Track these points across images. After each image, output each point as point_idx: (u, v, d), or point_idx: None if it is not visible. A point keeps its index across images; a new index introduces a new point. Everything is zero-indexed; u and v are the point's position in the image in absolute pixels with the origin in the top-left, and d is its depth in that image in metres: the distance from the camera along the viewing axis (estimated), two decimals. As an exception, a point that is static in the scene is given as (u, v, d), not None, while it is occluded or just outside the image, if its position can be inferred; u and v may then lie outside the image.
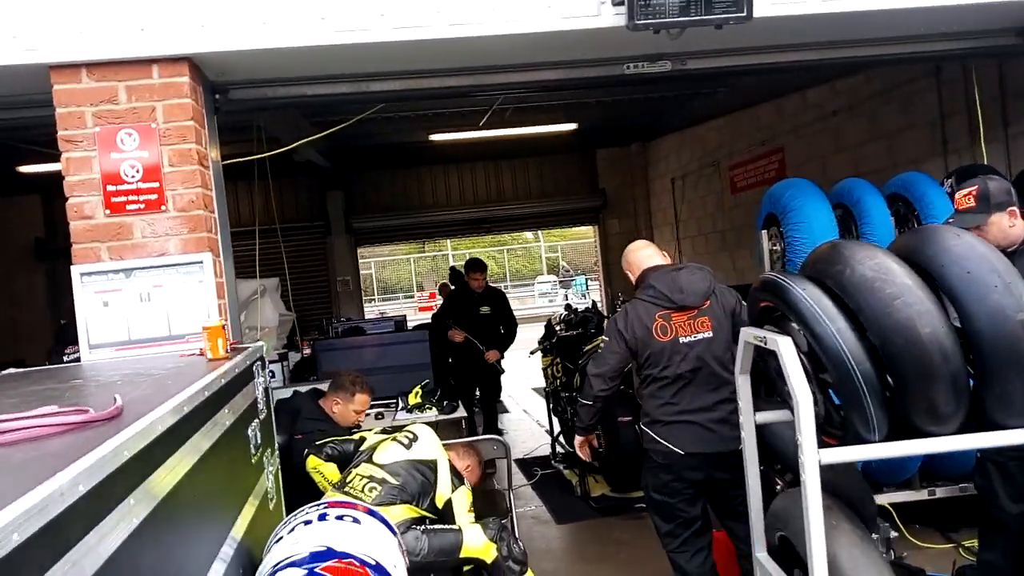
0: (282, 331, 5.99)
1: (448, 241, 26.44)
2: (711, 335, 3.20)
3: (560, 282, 27.18)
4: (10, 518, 0.87)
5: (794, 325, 2.47)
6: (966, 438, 2.24)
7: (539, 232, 29.49)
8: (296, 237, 10.52)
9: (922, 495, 4.14)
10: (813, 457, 2.21)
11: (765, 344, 2.43)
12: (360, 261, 12.76)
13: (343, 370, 4.02)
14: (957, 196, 3.14)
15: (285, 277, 5.95)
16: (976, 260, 2.20)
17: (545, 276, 28.41)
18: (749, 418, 2.75)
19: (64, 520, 1.00)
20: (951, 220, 3.03)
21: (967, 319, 2.18)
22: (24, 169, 8.17)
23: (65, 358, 5.86)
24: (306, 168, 10.21)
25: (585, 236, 29.68)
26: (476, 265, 6.94)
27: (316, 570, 1.82)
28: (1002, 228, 3.01)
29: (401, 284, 26.80)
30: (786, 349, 2.28)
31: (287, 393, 4.12)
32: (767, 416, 2.80)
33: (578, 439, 3.56)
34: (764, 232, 4.09)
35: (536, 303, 25.99)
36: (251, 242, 4.78)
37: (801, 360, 2.30)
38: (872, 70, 6.35)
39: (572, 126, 9.37)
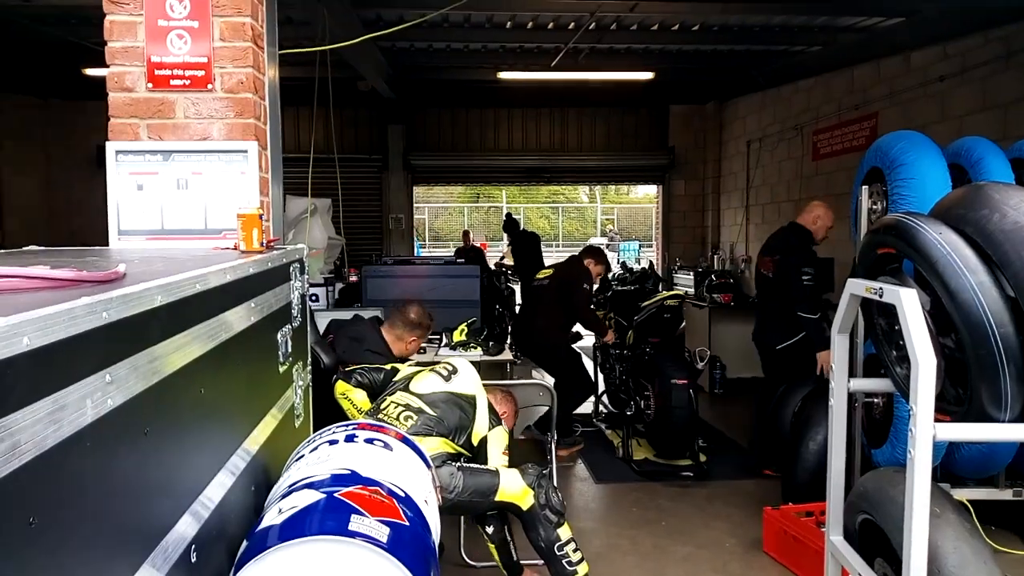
0: (330, 255, 5.76)
1: (503, 193, 26.14)
2: None
3: (607, 246, 26.88)
4: None
5: (908, 279, 2.11)
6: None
7: (595, 190, 29.01)
8: (353, 169, 10.30)
9: (1006, 495, 3.76)
10: (928, 431, 1.86)
11: (880, 297, 2.06)
12: (415, 205, 12.52)
13: (409, 299, 3.92)
14: None
15: (339, 208, 5.70)
16: None
17: (598, 238, 28.08)
18: (842, 385, 2.40)
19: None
20: None
21: None
22: (91, 72, 8.00)
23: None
24: (368, 100, 9.96)
25: (639, 202, 29.07)
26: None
27: (336, 495, 1.57)
28: None
29: (452, 234, 26.82)
30: (909, 303, 1.92)
31: (332, 316, 3.92)
32: (862, 384, 2.45)
33: (826, 354, 4.34)
34: (864, 188, 3.65)
35: (588, 264, 25.55)
36: (305, 169, 4.57)
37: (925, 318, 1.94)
38: (992, 31, 5.74)
39: (649, 75, 8.84)
